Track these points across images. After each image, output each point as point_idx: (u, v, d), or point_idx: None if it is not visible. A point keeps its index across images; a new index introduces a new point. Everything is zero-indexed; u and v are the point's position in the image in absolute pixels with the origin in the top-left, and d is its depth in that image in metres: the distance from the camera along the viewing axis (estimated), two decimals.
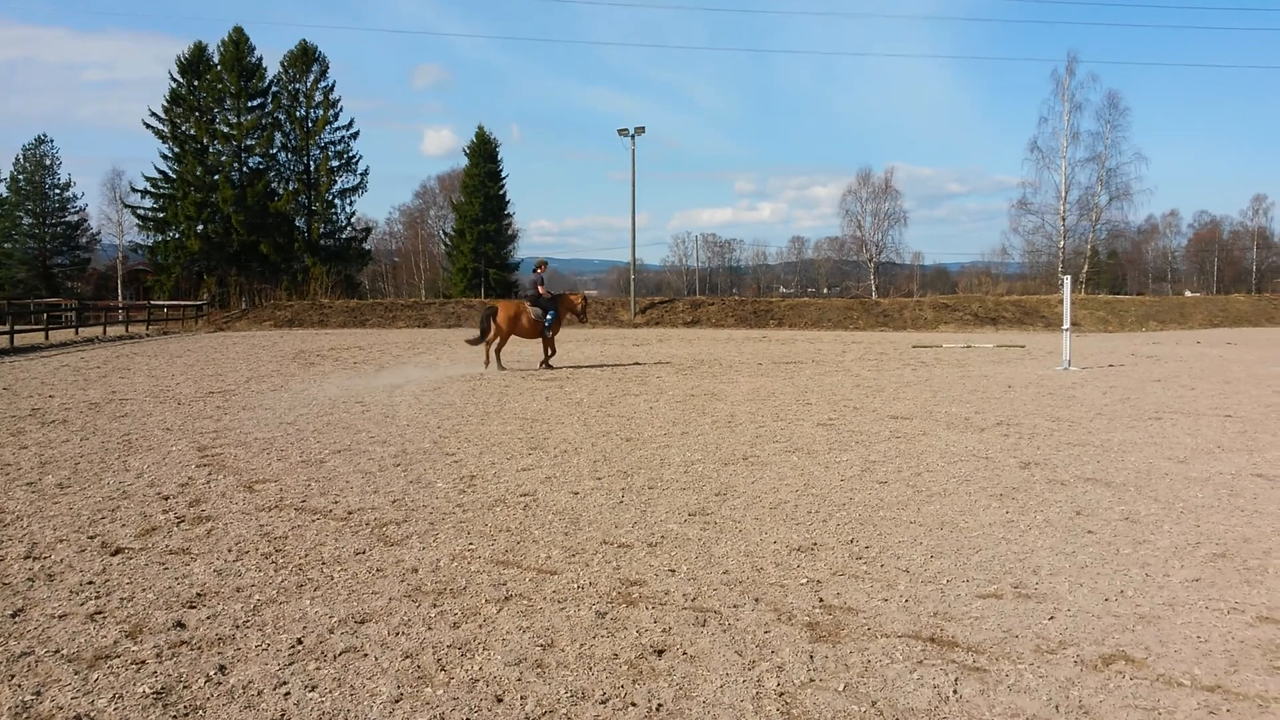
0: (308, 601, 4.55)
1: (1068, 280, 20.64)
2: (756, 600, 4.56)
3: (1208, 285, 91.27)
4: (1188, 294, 71.91)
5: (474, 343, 18.03)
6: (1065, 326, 19.16)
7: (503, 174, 67.93)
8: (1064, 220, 58.90)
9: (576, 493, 6.98)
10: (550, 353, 18.47)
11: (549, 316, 17.98)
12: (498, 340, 17.74)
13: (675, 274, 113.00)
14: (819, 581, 4.86)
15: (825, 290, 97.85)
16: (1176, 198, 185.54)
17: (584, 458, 8.43)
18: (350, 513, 6.36)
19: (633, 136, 44.90)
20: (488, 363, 17.81)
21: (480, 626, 4.20)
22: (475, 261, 64.96)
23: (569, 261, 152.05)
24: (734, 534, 5.80)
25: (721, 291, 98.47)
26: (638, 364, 19.39)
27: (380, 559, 5.27)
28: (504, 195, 68.34)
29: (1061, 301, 19.52)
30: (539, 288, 18.18)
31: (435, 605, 4.48)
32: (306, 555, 5.36)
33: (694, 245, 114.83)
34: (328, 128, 60.38)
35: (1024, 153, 61.13)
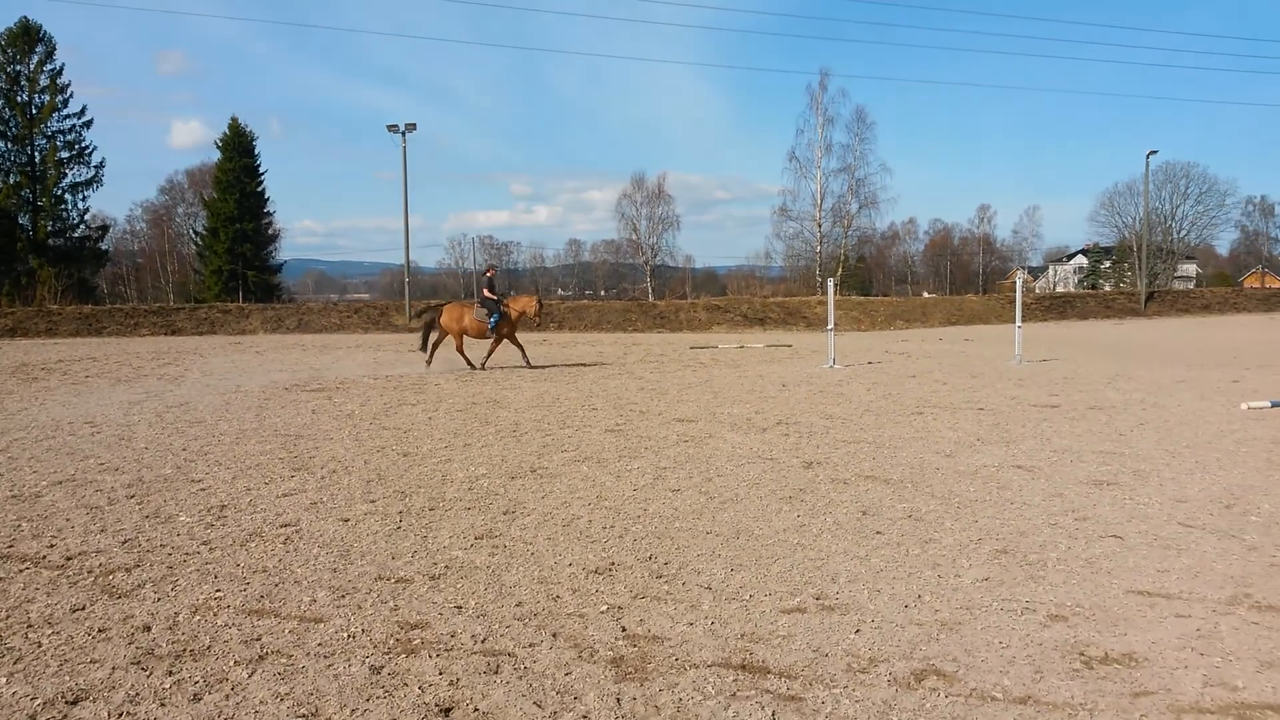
0: (3, 680, 3.68)
1: (831, 283, 21.69)
2: (554, 635, 4.14)
3: (943, 287, 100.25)
4: (926, 295, 78.44)
5: (424, 347, 19.24)
6: (829, 326, 20.10)
7: (261, 169, 63.55)
8: (820, 226, 62.57)
9: (347, 519, 6.28)
10: (520, 352, 19.57)
11: (493, 318, 18.92)
12: (447, 340, 19.00)
13: (452, 276, 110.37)
14: (620, 607, 4.51)
15: (603, 292, 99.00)
16: (914, 206, 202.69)
17: (355, 477, 7.68)
18: (69, 559, 5.36)
19: (403, 133, 43.29)
20: (429, 362, 18.85)
21: (227, 697, 3.52)
22: (232, 263, 60.41)
23: (337, 264, 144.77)
24: (526, 558, 5.36)
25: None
26: (414, 371, 18.46)
27: (104, 616, 4.41)
28: (263, 192, 63.95)
29: (822, 302, 20.47)
30: (484, 290, 19.34)
31: (171, 673, 3.74)
32: (8, 617, 4.41)
33: (471, 247, 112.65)
34: (55, 115, 54.10)
35: (784, 162, 64.55)
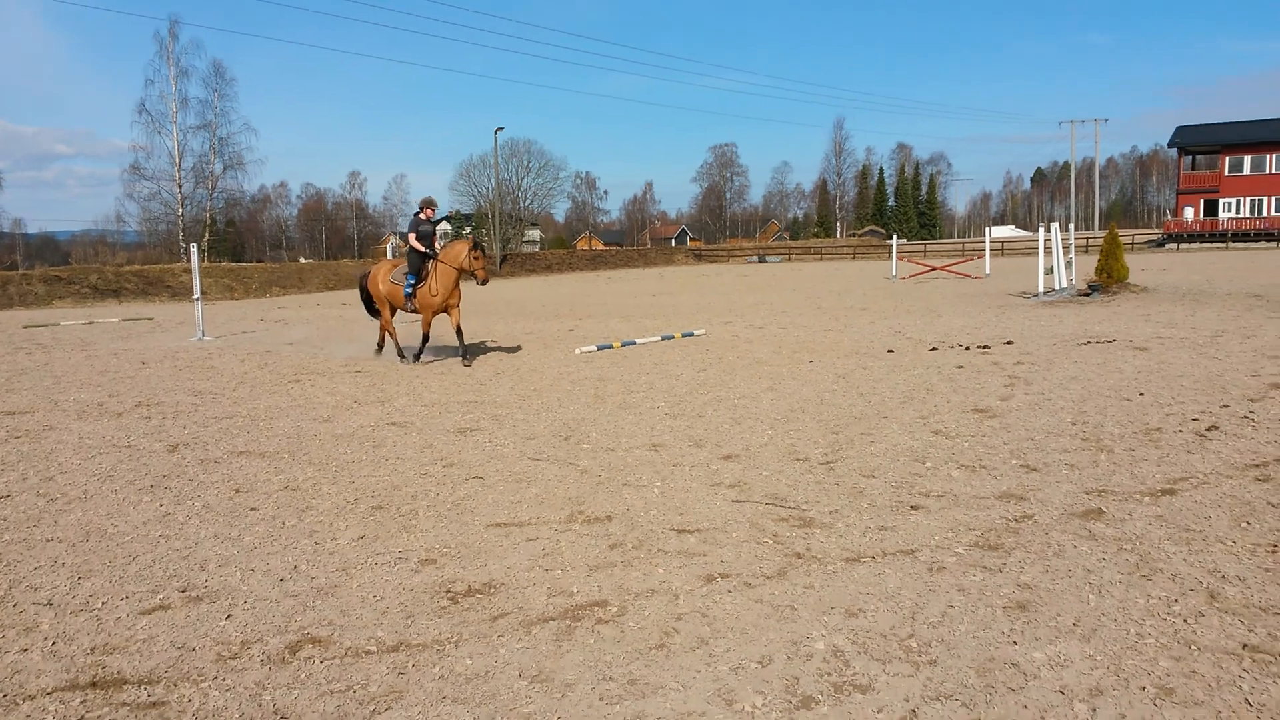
0: None
1: (195, 249, 20.08)
2: None
3: (319, 252, 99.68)
4: (303, 260, 77.20)
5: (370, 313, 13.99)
6: (196, 296, 18.62)
7: None
8: (180, 188, 57.46)
9: None
10: (459, 335, 12.78)
11: (408, 281, 12.69)
12: (388, 315, 13.40)
13: None
14: None
15: None
16: (285, 170, 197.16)
17: None
18: None
19: None
20: (386, 347, 13.63)
21: None
22: None
23: None
24: None
25: None
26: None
27: None
28: None
29: (187, 270, 18.93)
30: (411, 239, 12.74)
31: None
32: None
33: None
34: None
35: (133, 115, 57.47)
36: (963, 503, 5.30)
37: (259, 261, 68.37)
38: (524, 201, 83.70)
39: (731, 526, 5.01)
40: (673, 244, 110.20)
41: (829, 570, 4.29)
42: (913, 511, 5.17)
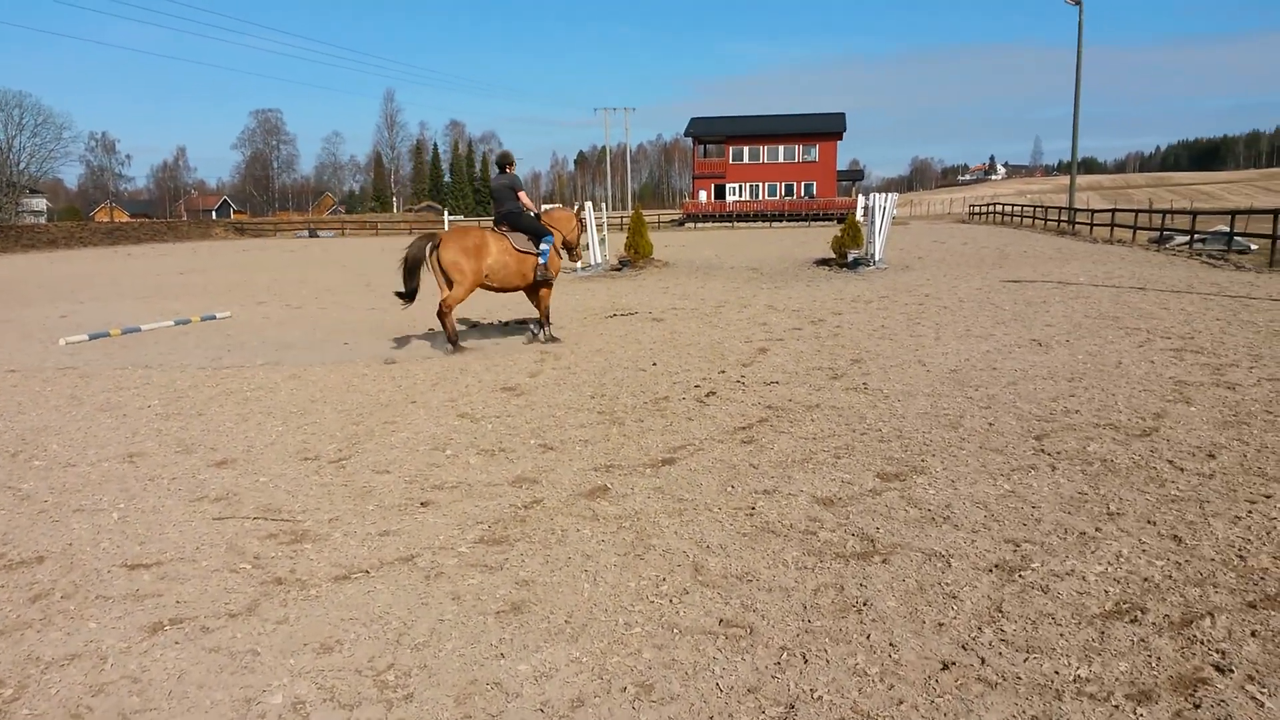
0: None
1: None
2: None
3: None
4: None
5: (405, 297, 10.01)
6: None
7: None
8: None
9: None
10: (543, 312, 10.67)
11: (544, 247, 10.17)
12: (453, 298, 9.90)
13: None
14: None
15: None
16: None
17: None
18: None
19: None
20: (453, 340, 10.04)
21: None
22: None
23: None
24: None
25: None
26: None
27: None
28: None
29: None
30: (520, 195, 10.19)
31: None
32: None
33: None
34: None
35: None
36: (476, 493, 5.03)
37: None
38: (18, 164, 70.99)
39: (203, 553, 4.22)
40: (213, 216, 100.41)
41: (311, 596, 3.72)
42: (422, 509, 4.78)
